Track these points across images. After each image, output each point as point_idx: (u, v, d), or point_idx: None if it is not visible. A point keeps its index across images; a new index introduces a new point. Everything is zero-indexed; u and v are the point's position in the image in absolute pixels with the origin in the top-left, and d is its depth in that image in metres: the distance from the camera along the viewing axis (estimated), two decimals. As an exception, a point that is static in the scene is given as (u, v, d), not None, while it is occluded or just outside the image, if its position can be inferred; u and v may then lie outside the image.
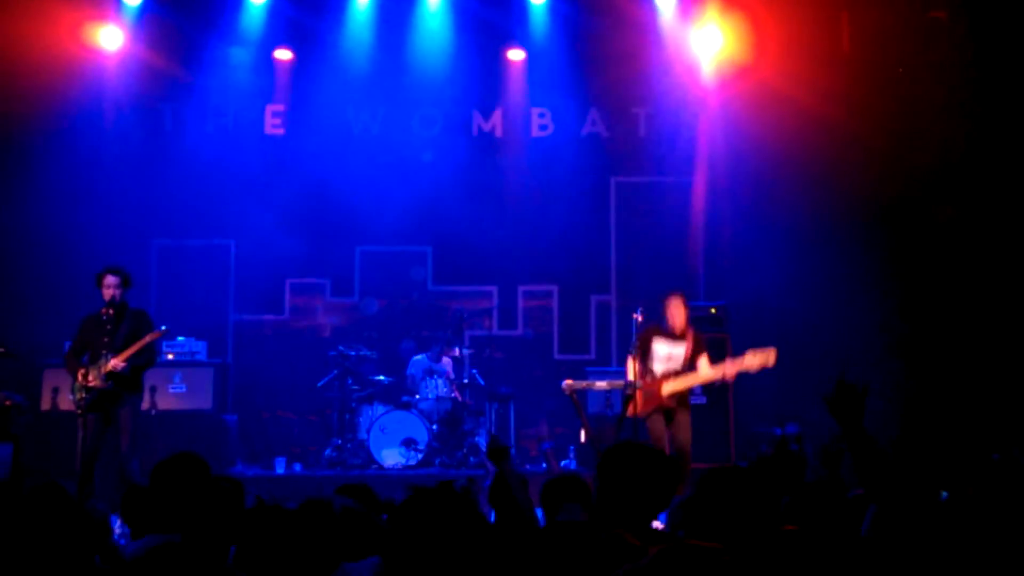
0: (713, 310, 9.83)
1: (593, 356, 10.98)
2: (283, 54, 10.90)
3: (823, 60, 10.29)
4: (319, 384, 10.14)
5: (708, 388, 9.11)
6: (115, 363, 7.30)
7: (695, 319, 9.57)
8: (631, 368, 7.58)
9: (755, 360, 7.44)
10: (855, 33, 10.19)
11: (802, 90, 10.56)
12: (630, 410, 7.34)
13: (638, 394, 7.40)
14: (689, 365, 7.64)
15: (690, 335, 7.73)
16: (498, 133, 11.25)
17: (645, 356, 7.59)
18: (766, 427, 9.70)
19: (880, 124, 10.38)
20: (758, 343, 10.03)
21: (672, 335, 7.72)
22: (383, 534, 3.99)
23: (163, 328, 7.57)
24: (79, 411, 7.37)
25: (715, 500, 3.14)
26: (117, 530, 4.89)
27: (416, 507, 2.79)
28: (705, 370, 7.63)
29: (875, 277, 10.34)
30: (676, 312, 7.69)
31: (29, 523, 3.50)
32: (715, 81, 10.95)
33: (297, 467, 9.95)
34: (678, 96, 10.99)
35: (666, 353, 7.67)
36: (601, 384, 8.79)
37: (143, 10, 10.47)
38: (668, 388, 7.58)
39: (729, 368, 7.52)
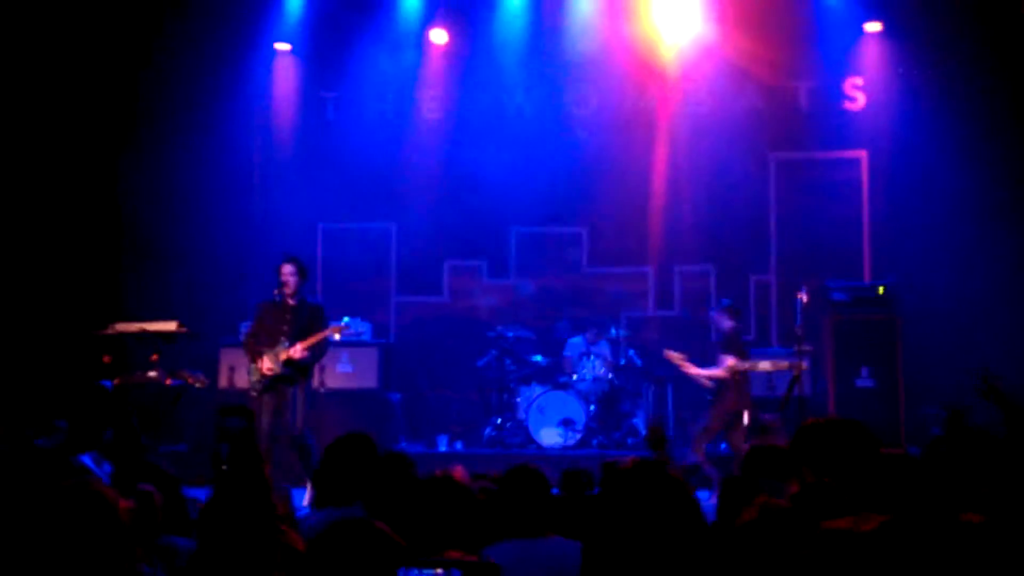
0: (881, 289, 9.46)
1: (752, 337, 10.76)
2: (439, 37, 11.04)
3: (1001, 29, 9.76)
4: (478, 364, 10.34)
5: (875, 372, 9.05)
6: (295, 350, 7.61)
7: (858, 299, 9.33)
8: None
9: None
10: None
11: (973, 59, 10.07)
12: None
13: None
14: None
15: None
16: (653, 111, 11.12)
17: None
18: (935, 409, 9.33)
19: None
20: (926, 324, 9.74)
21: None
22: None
23: (343, 324, 7.87)
24: (254, 393, 7.74)
25: (884, 485, 3.05)
26: (300, 505, 5.13)
27: (625, 488, 2.58)
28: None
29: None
30: None
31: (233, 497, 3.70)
32: (877, 51, 10.57)
33: (459, 445, 10.15)
34: (840, 68, 10.64)
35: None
36: (764, 365, 8.61)
37: (306, 4, 10.85)
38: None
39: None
